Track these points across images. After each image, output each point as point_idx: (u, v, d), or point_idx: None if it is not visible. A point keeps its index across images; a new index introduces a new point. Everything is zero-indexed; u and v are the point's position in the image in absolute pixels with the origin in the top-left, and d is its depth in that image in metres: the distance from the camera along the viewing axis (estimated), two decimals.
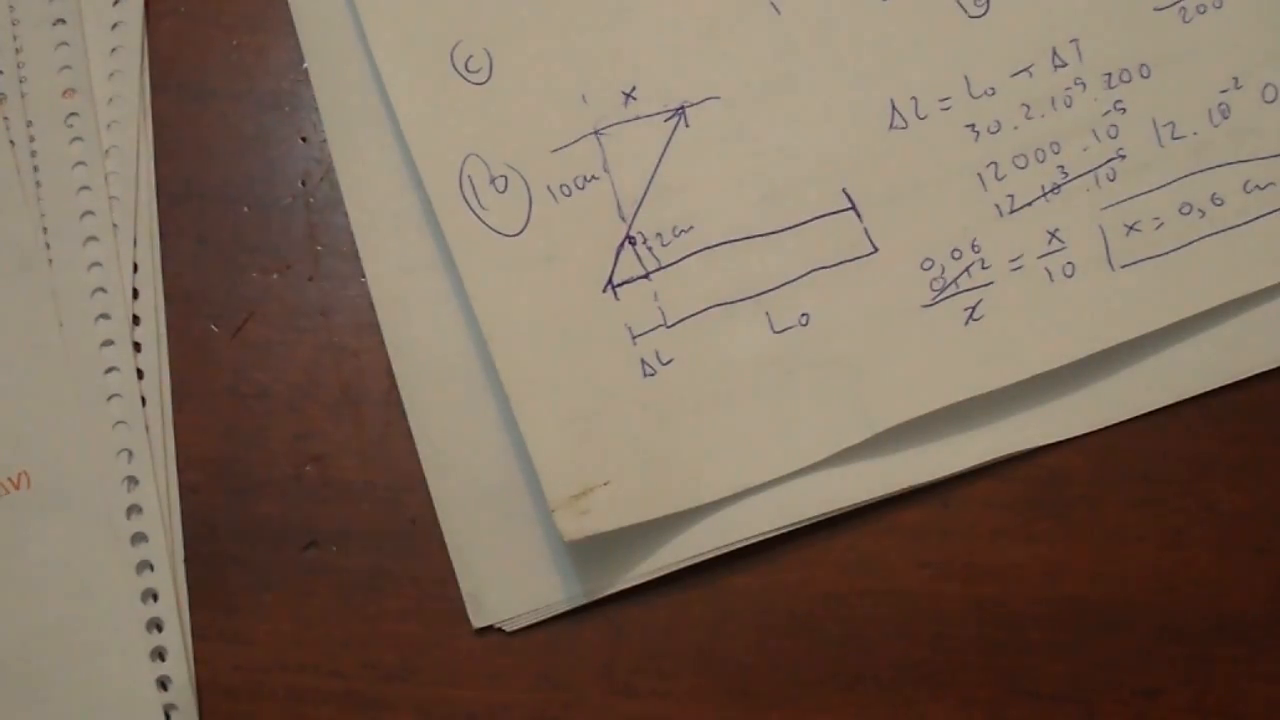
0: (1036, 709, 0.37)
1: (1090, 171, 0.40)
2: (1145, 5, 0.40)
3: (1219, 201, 0.40)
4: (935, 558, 0.38)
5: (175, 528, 0.39)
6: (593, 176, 0.40)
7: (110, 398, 0.40)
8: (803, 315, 0.39)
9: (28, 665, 0.38)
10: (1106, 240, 0.39)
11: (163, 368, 0.41)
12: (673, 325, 0.39)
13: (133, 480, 0.39)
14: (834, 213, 0.40)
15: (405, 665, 0.38)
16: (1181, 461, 0.38)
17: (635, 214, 0.40)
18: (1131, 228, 0.40)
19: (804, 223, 0.40)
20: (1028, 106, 0.40)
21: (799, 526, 0.38)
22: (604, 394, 0.39)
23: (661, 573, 0.38)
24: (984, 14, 0.40)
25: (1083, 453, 0.39)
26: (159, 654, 0.38)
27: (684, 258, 0.40)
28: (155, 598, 0.39)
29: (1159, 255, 0.40)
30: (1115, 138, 0.40)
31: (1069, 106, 0.40)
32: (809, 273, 0.39)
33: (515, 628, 0.38)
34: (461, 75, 0.40)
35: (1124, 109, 0.40)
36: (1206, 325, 0.39)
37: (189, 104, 0.42)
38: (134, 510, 0.39)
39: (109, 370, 0.40)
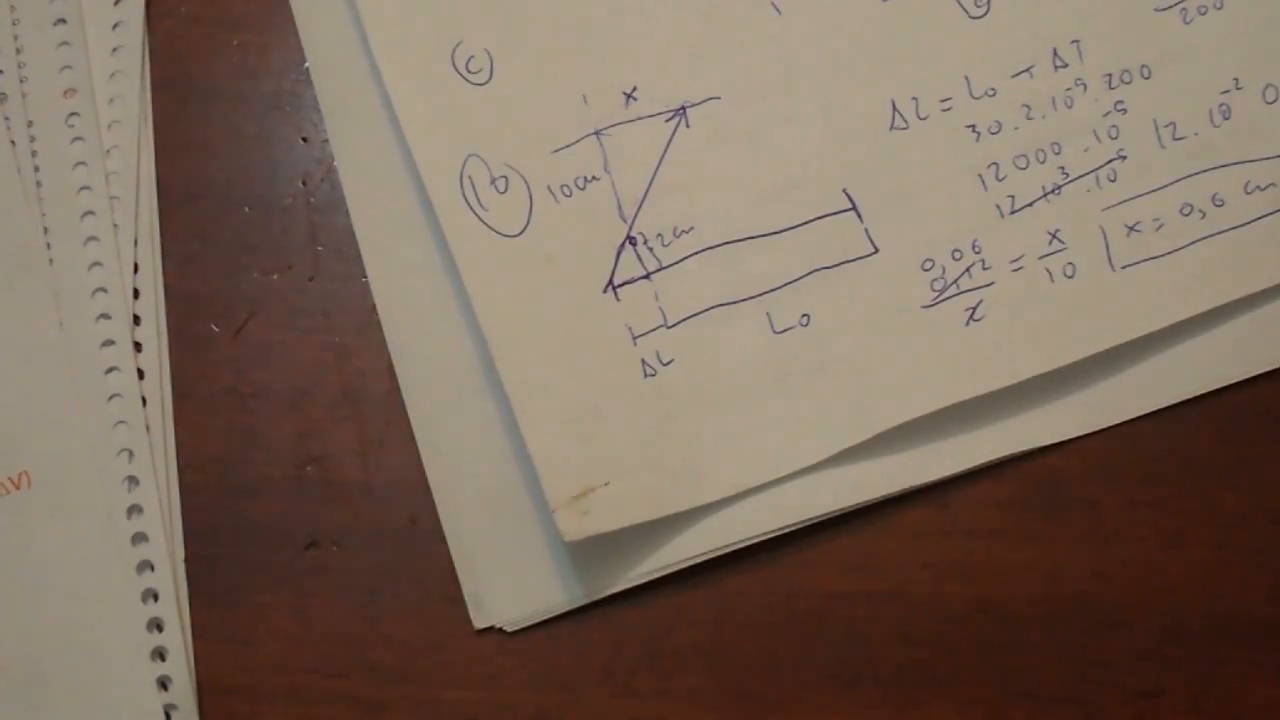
0: (1036, 709, 0.37)
1: (1091, 172, 0.40)
2: (1146, 6, 0.41)
3: (1220, 202, 0.40)
4: (935, 558, 0.38)
5: (175, 528, 0.39)
6: (593, 177, 0.40)
7: (111, 398, 0.40)
8: (803, 316, 0.39)
9: (28, 665, 0.38)
10: (1107, 241, 0.40)
11: (163, 368, 0.41)
12: (673, 325, 0.39)
13: (133, 480, 0.39)
14: (835, 213, 0.40)
15: (405, 665, 0.38)
16: (1181, 462, 0.38)
17: (636, 214, 0.40)
18: (1132, 228, 0.40)
19: (805, 223, 0.40)
20: (1028, 107, 0.40)
21: (799, 527, 0.38)
22: (604, 394, 0.39)
23: (662, 573, 0.38)
24: (984, 14, 0.41)
25: (1083, 453, 0.39)
26: (159, 654, 0.38)
27: (685, 258, 0.40)
28: (155, 598, 0.39)
29: (1160, 256, 0.40)
30: (1116, 138, 0.40)
31: (1070, 107, 0.40)
32: (810, 273, 0.40)
33: (516, 628, 0.38)
34: (462, 76, 0.40)
35: (1124, 110, 0.40)
36: (1207, 326, 0.39)
37: (190, 104, 0.42)
38: (134, 510, 0.39)
39: (109, 370, 0.40)
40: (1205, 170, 0.40)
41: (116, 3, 0.43)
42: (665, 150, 0.40)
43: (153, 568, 0.39)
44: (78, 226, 0.41)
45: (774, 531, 0.38)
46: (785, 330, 0.39)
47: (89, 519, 0.39)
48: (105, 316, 0.40)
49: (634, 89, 0.40)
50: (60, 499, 0.39)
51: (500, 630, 0.38)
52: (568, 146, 0.40)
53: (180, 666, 0.38)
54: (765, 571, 0.39)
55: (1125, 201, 0.40)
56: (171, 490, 0.40)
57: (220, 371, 0.41)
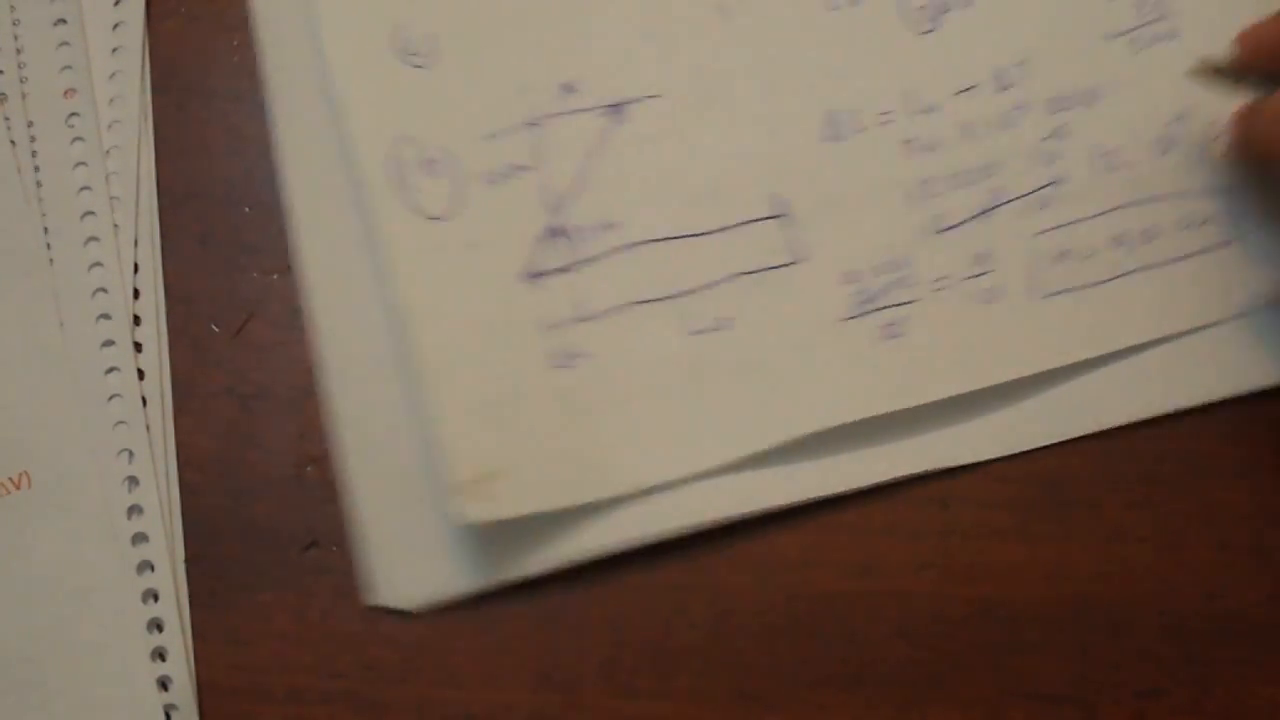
0: (1036, 709, 0.37)
1: (1024, 196, 0.39)
2: (1096, 32, 0.40)
3: (1152, 236, 0.39)
4: (935, 558, 0.38)
5: (176, 528, 0.39)
6: (524, 166, 0.40)
7: (111, 398, 0.40)
8: (721, 319, 0.39)
9: (28, 665, 0.38)
10: (1034, 268, 0.39)
11: (163, 368, 0.41)
12: (590, 320, 0.39)
13: (133, 480, 0.39)
14: (761, 219, 0.40)
15: (405, 665, 0.38)
16: (1181, 462, 0.38)
17: (563, 207, 0.40)
18: (1060, 256, 0.39)
19: (730, 227, 0.39)
20: (968, 126, 0.40)
21: (705, 528, 0.38)
22: (515, 382, 0.39)
23: (564, 565, 0.38)
24: (932, 30, 0.40)
25: (1082, 454, 0.39)
26: (159, 654, 0.38)
27: (607, 253, 0.39)
28: (156, 598, 0.39)
29: (1085, 287, 0.39)
30: (1053, 163, 0.39)
31: (1010, 129, 0.40)
32: (730, 277, 0.39)
33: (414, 607, 0.38)
34: (404, 57, 0.41)
35: (1065, 135, 0.40)
36: (1128, 355, 0.39)
37: (190, 104, 0.42)
38: (134, 510, 0.39)
39: (109, 370, 0.40)
40: (1141, 202, 0.39)
41: (116, 3, 0.43)
42: (598, 145, 0.40)
43: (153, 568, 0.39)
44: (78, 227, 0.41)
45: (676, 531, 0.38)
46: (701, 332, 0.39)
47: (89, 519, 0.39)
48: (105, 317, 0.40)
49: (573, 82, 0.40)
50: (60, 499, 0.39)
51: (499, 630, 0.38)
52: (501, 134, 0.40)
53: (180, 667, 0.38)
54: (765, 571, 0.39)
55: (1056, 228, 0.39)
56: (171, 490, 0.40)
57: (220, 371, 0.41)
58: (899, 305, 0.39)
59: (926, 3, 0.41)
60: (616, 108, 0.40)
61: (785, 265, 0.39)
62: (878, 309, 0.39)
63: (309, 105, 0.41)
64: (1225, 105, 0.39)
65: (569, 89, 0.40)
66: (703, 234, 0.39)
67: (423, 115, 0.40)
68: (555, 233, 0.39)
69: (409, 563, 0.38)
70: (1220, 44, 0.39)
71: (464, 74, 0.41)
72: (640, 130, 0.40)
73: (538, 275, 0.39)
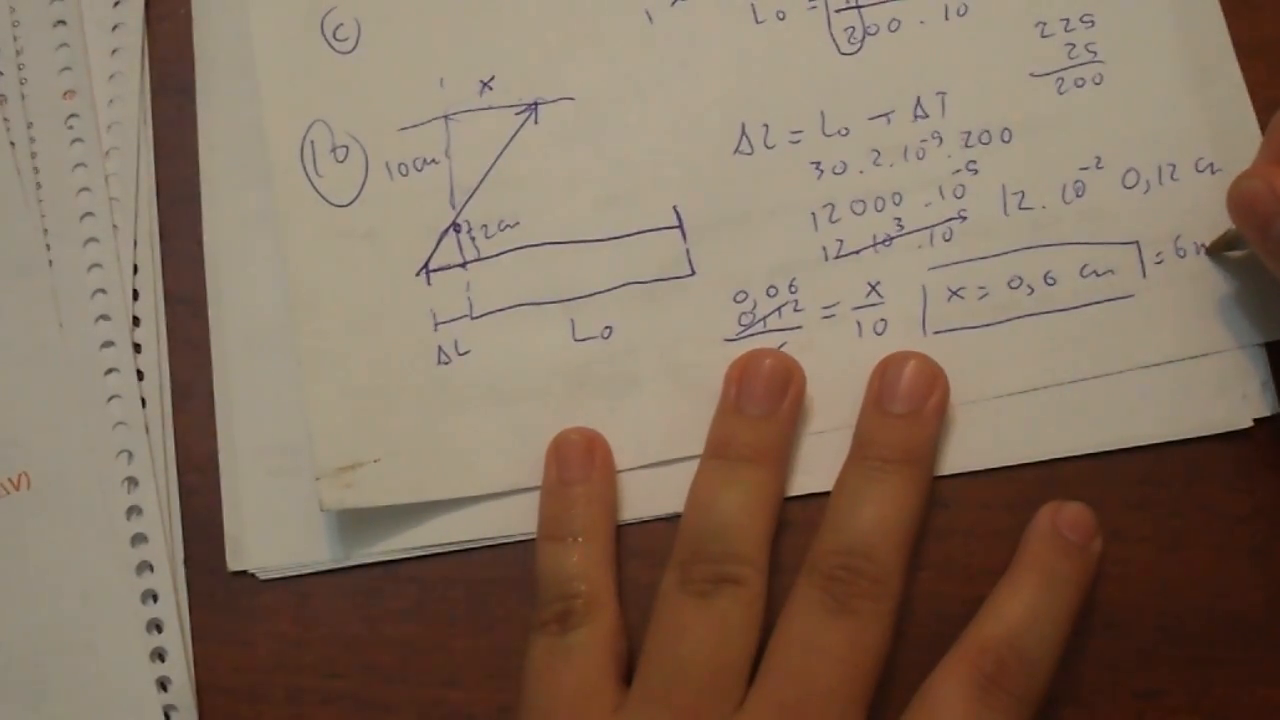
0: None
1: (926, 229, 0.39)
2: (1021, 70, 0.39)
3: (1051, 281, 0.38)
4: (935, 558, 0.38)
5: (175, 529, 0.39)
6: (433, 160, 0.40)
7: (110, 399, 0.40)
8: (606, 328, 0.39)
9: (28, 665, 0.38)
10: (926, 302, 0.38)
11: (163, 369, 0.41)
12: (478, 317, 0.39)
13: (133, 481, 0.39)
14: (660, 229, 0.39)
15: (405, 665, 0.38)
16: (1180, 463, 0.38)
17: (466, 203, 0.40)
18: (955, 293, 0.38)
19: (628, 235, 0.39)
20: (878, 152, 0.39)
21: None
22: (395, 374, 0.39)
23: (421, 552, 0.38)
24: (856, 51, 0.40)
25: (1082, 454, 0.38)
26: (159, 655, 0.38)
27: (503, 252, 0.39)
28: (155, 599, 0.39)
29: (974, 327, 0.38)
30: (960, 197, 0.39)
31: (920, 159, 0.39)
32: (621, 285, 0.39)
33: (269, 576, 0.39)
34: (328, 41, 0.41)
35: (976, 170, 0.39)
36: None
37: (189, 105, 0.42)
38: (134, 511, 0.39)
39: (109, 371, 0.40)
40: (1045, 245, 0.38)
41: (116, 4, 0.43)
42: (508, 143, 0.40)
43: (152, 569, 0.39)
44: (77, 228, 0.41)
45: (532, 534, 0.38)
46: (585, 340, 0.39)
47: (89, 520, 0.39)
48: (105, 318, 0.40)
49: (492, 78, 0.40)
50: (60, 500, 0.39)
51: (499, 630, 0.38)
52: (415, 126, 0.40)
53: (180, 667, 0.38)
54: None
55: (954, 264, 0.38)
56: (171, 491, 0.40)
57: None
58: (785, 330, 0.38)
59: (853, 24, 0.40)
60: (531, 107, 0.40)
61: (678, 278, 0.39)
62: (763, 332, 0.38)
63: (231, 86, 0.42)
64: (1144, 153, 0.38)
65: (487, 85, 0.40)
66: (601, 240, 0.39)
67: (341, 101, 0.41)
68: (456, 228, 0.39)
69: (272, 532, 0.39)
70: (1143, 93, 0.39)
71: (386, 63, 0.41)
72: (552, 131, 0.40)
73: (433, 270, 0.39)
